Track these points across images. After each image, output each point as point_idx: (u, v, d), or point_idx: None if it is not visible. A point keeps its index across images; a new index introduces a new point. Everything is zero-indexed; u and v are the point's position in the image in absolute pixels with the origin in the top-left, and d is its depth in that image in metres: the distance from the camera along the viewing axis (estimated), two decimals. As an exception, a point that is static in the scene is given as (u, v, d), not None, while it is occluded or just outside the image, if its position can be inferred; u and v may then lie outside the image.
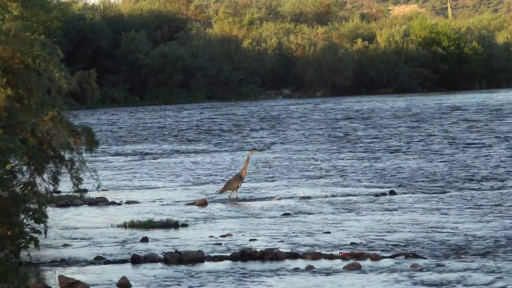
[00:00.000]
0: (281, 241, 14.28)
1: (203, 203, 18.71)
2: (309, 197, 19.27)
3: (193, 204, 18.75)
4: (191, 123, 45.55)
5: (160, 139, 36.39)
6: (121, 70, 74.03)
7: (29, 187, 12.74)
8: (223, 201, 19.13)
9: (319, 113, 50.31)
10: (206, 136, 37.16)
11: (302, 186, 21.38)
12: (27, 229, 12.83)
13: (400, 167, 24.49)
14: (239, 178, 19.51)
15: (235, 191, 19.60)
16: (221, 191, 19.80)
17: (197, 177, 23.71)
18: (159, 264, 12.71)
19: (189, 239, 14.65)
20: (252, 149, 21.46)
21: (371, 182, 21.72)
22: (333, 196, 19.47)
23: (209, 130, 40.49)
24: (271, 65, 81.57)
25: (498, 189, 19.82)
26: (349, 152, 28.99)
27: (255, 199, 19.37)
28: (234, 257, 12.97)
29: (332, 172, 23.84)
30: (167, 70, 74.18)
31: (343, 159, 26.96)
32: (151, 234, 15.08)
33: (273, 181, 22.51)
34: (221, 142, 34.30)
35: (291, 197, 19.41)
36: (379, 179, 22.21)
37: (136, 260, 12.88)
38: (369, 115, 46.84)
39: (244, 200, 19.29)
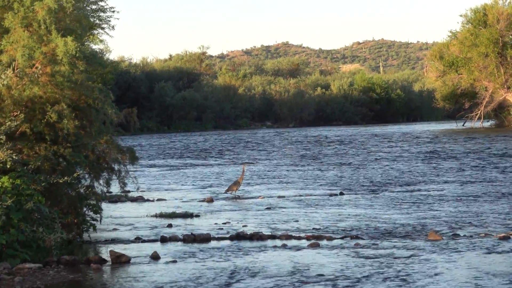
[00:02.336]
0: (264, 227, 14.25)
1: (210, 200, 18.67)
2: (283, 196, 19.26)
3: (203, 201, 18.71)
4: (202, 145, 45.49)
5: (180, 156, 36.33)
6: (154, 108, 74.03)
7: (90, 189, 12.72)
8: (224, 199, 19.09)
9: (290, 139, 50.29)
10: (212, 154, 37.10)
11: (278, 189, 21.35)
12: (88, 218, 12.81)
13: (345, 176, 24.51)
14: (237, 183, 19.55)
15: (234, 192, 19.59)
16: (225, 191, 19.78)
17: (205, 182, 23.67)
18: (180, 243, 12.66)
19: (201, 225, 14.61)
20: (245, 163, 21.45)
21: (326, 186, 21.71)
22: (300, 195, 19.45)
23: (214, 150, 40.43)
24: (258, 105, 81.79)
25: (412, 191, 19.83)
26: (309, 165, 28.98)
27: (246, 198, 19.34)
28: (231, 238, 12.95)
29: (298, 179, 23.83)
30: (186, 108, 74.29)
31: (306, 170, 26.95)
32: (174, 221, 15.03)
33: (258, 185, 22.48)
34: (222, 158, 34.25)
35: (271, 196, 19.38)
36: (332, 184, 22.20)
37: (163, 239, 12.83)
38: (324, 140, 46.85)
39: (239, 198, 19.26)
